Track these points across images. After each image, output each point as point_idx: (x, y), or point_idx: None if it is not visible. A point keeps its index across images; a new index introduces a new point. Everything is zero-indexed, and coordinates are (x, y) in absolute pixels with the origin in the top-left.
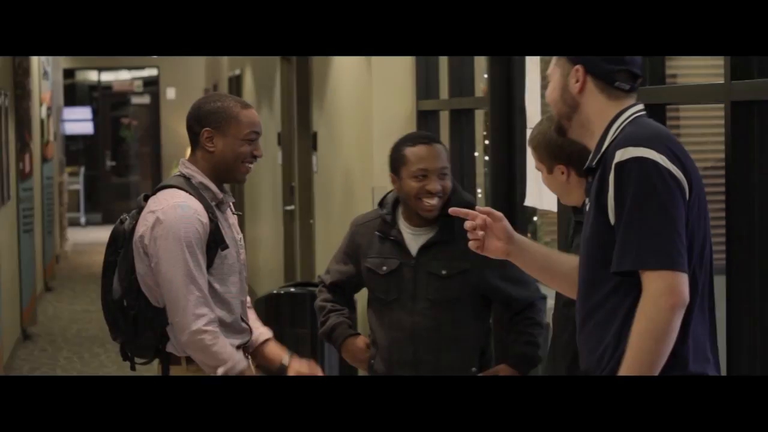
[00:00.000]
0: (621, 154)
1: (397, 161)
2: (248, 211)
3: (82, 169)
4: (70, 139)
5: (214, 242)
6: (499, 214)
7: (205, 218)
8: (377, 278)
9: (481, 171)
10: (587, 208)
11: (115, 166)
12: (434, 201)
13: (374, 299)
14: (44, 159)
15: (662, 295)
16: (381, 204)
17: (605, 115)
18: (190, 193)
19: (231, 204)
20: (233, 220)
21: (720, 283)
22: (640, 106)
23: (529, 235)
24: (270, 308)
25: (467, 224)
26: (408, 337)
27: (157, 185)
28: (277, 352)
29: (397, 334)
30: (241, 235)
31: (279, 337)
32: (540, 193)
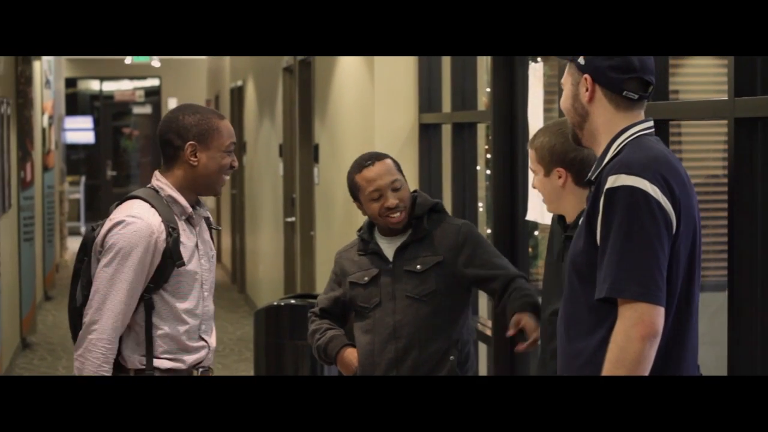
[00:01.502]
0: (613, 181)
1: (353, 190)
2: (249, 223)
3: (83, 179)
4: (72, 148)
5: (171, 258)
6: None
7: (159, 233)
8: (360, 289)
9: (482, 185)
10: (581, 222)
11: (116, 175)
12: (397, 214)
13: (358, 311)
14: (45, 168)
15: (634, 326)
16: (360, 230)
17: (613, 126)
18: (153, 206)
19: (209, 218)
20: (208, 235)
21: (722, 299)
22: (648, 124)
23: (530, 249)
24: (270, 320)
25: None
26: (390, 336)
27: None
28: None
29: (380, 336)
30: (214, 252)
31: (279, 348)
32: (541, 208)
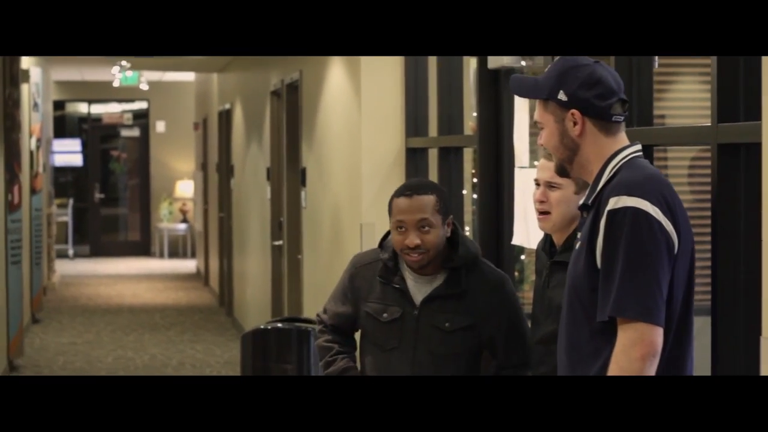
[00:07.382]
0: (615, 202)
1: (389, 210)
2: (236, 246)
3: (71, 201)
4: (59, 171)
5: None
6: None
7: None
8: (377, 324)
9: (469, 209)
10: (578, 245)
11: (104, 198)
12: (414, 256)
13: (371, 344)
14: (33, 190)
15: (634, 345)
16: (381, 246)
17: (603, 152)
18: None
19: None
20: None
21: (705, 323)
22: (637, 147)
23: (516, 273)
24: (257, 343)
25: None
26: None
27: (145, 217)
28: None
29: None
30: None
31: (266, 371)
32: (527, 232)
